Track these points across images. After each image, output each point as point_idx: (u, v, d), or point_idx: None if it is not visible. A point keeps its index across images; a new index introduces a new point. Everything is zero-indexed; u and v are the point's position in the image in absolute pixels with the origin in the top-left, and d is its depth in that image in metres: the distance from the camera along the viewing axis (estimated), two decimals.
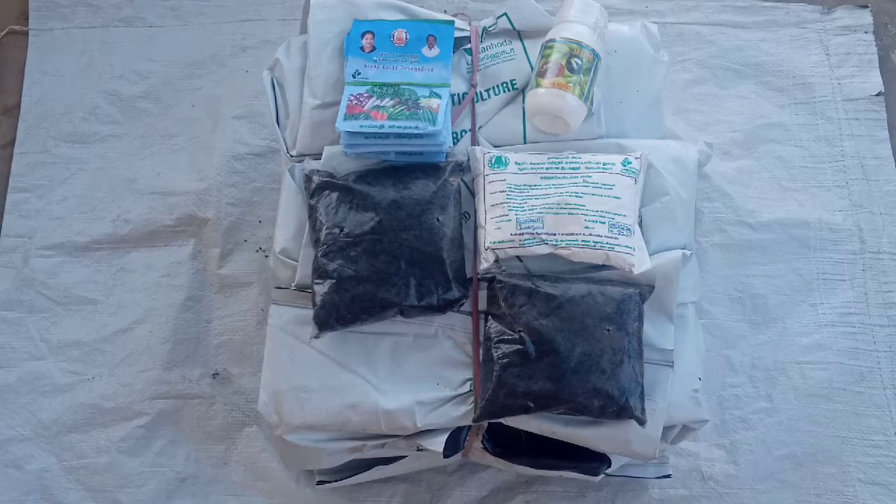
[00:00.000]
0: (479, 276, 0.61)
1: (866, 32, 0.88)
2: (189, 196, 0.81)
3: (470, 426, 0.60)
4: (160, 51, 0.87)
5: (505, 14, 0.66)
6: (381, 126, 0.59)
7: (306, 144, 0.64)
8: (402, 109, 0.60)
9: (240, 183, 0.81)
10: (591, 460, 0.62)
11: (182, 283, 0.79)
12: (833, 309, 0.79)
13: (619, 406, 0.56)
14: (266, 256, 0.79)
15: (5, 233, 0.81)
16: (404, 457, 0.64)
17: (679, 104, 0.86)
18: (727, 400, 0.76)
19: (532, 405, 0.56)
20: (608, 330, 0.56)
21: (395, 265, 0.57)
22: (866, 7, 0.89)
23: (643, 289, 0.59)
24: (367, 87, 0.62)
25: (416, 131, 0.59)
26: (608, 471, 0.65)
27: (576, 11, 0.63)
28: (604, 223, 0.58)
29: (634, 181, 0.60)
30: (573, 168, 0.61)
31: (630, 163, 0.60)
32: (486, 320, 0.59)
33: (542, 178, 0.61)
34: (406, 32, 0.64)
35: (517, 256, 0.60)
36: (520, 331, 0.57)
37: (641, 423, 0.57)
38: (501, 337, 0.57)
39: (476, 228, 0.61)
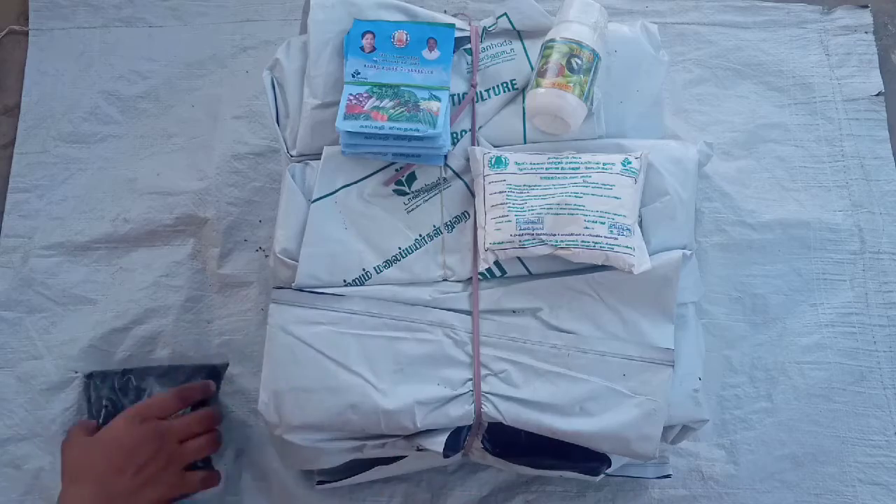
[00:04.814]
0: (479, 278, 0.61)
1: (866, 32, 0.88)
2: (189, 196, 0.81)
3: (470, 426, 0.61)
4: (160, 51, 0.87)
5: (505, 14, 0.66)
6: (382, 127, 0.60)
7: (306, 144, 0.64)
8: (403, 111, 0.61)
9: (240, 183, 0.81)
10: (591, 460, 0.62)
11: (182, 283, 0.79)
12: (833, 309, 0.79)
13: None
14: (266, 256, 0.79)
15: (5, 233, 0.81)
16: (404, 457, 0.64)
17: (679, 104, 0.86)
18: (727, 400, 0.76)
19: None
20: None
21: None
22: (866, 7, 0.89)
23: None
24: (367, 87, 0.62)
25: (416, 134, 0.59)
26: (608, 471, 0.65)
27: (576, 11, 0.63)
28: (603, 223, 0.58)
29: (634, 181, 0.60)
30: (573, 168, 0.61)
31: (630, 163, 0.60)
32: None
33: (542, 178, 0.61)
34: (406, 34, 0.64)
35: (517, 257, 0.61)
36: None
37: None
38: None
39: (476, 229, 0.61)
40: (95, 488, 0.60)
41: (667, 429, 0.61)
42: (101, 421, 0.69)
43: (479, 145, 0.64)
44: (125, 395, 0.70)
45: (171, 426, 0.65)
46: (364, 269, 0.62)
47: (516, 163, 0.61)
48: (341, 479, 0.68)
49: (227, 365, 0.75)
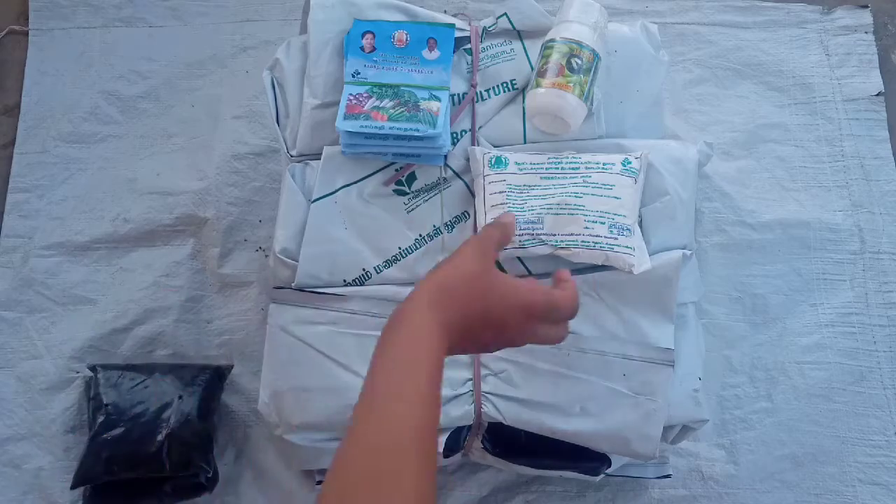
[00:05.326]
0: None
1: (866, 32, 0.88)
2: (189, 196, 0.81)
3: (470, 426, 0.60)
4: (160, 51, 0.87)
5: (505, 14, 0.66)
6: (382, 127, 0.60)
7: (306, 144, 0.64)
8: (403, 111, 0.61)
9: (240, 183, 0.81)
10: (591, 460, 0.63)
11: (182, 283, 0.79)
12: (833, 309, 0.79)
13: None
14: (266, 256, 0.79)
15: (5, 233, 0.81)
16: None
17: (679, 104, 0.86)
18: (727, 400, 0.76)
19: None
20: None
21: None
22: (866, 7, 0.89)
23: None
24: (367, 88, 0.62)
25: (416, 133, 0.59)
26: (608, 471, 0.65)
27: (576, 11, 0.63)
28: (603, 223, 0.58)
29: (634, 181, 0.60)
30: (573, 168, 0.61)
31: (630, 163, 0.60)
32: None
33: (542, 178, 0.61)
34: (406, 34, 0.64)
35: (517, 257, 0.61)
36: None
37: None
38: None
39: (476, 229, 0.61)
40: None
41: (667, 429, 0.61)
42: (98, 423, 0.68)
43: (479, 145, 0.64)
44: (129, 394, 0.69)
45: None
46: (364, 269, 0.62)
47: (516, 163, 0.61)
48: None
49: (232, 367, 0.75)
